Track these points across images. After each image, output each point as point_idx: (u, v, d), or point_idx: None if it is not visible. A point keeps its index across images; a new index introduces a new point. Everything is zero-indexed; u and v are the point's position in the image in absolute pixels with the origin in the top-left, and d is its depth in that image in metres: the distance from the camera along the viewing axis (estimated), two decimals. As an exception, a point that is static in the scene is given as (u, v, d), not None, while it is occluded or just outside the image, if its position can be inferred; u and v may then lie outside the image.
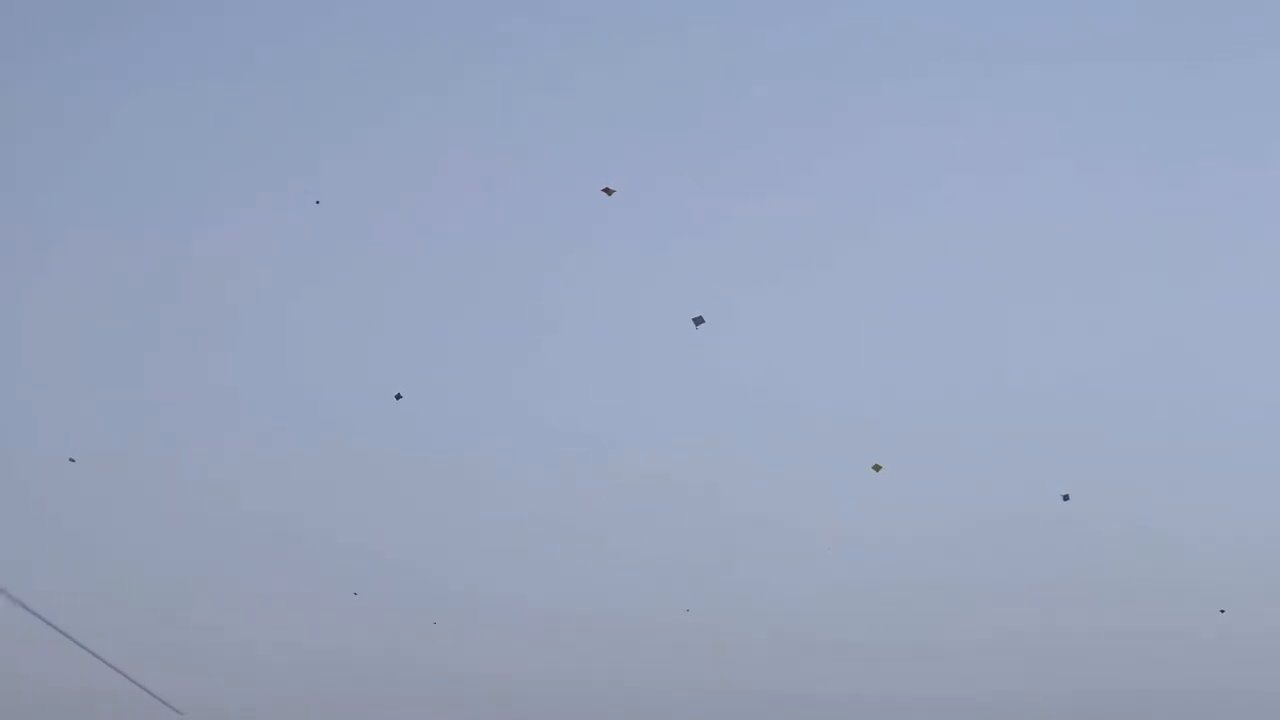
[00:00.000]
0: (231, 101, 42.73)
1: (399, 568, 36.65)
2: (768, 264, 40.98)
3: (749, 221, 41.48)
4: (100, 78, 42.78)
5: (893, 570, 37.00)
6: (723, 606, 36.52)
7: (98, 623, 35.74)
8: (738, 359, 39.57)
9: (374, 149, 42.42)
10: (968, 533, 37.21)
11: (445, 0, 43.47)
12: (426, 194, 42.14)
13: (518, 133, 42.28)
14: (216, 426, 38.92)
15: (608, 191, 34.22)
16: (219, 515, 37.38)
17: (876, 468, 34.44)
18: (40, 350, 39.80)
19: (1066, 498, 34.58)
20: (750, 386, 39.14)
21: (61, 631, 34.55)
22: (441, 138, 42.50)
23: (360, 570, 36.57)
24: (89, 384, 39.30)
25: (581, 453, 38.32)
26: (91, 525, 37.49)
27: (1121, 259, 41.32)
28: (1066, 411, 39.02)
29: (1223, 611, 34.94)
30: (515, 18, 43.12)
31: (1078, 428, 38.68)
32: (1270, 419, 38.64)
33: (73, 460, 35.69)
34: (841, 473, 37.08)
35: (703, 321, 32.29)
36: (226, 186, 41.95)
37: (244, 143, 42.44)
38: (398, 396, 35.24)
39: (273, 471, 37.92)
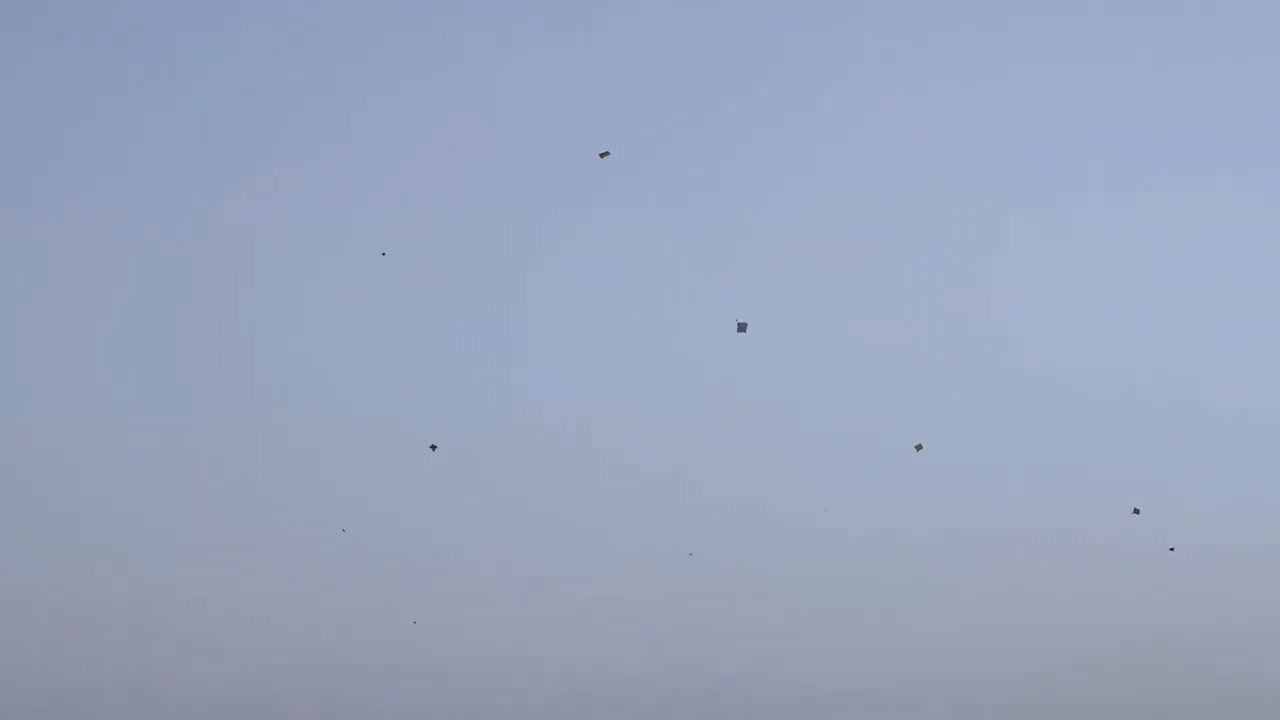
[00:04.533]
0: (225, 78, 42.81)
1: (382, 549, 36.60)
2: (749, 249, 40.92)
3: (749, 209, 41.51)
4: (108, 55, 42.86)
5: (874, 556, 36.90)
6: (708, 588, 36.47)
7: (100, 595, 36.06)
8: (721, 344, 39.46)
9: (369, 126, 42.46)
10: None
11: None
12: (415, 170, 42.16)
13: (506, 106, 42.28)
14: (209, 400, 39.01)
15: (604, 155, 34.02)
16: (217, 486, 37.48)
17: (918, 447, 34.15)
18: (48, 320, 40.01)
19: (1137, 511, 34.57)
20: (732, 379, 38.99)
21: None
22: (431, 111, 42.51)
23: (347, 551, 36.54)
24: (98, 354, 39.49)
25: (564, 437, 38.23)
26: (97, 495, 37.61)
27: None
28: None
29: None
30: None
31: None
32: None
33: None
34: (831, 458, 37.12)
35: (745, 328, 32.42)
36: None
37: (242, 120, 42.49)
38: (433, 447, 35.34)
39: (269, 448, 38.00)
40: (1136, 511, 34.43)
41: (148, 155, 42.11)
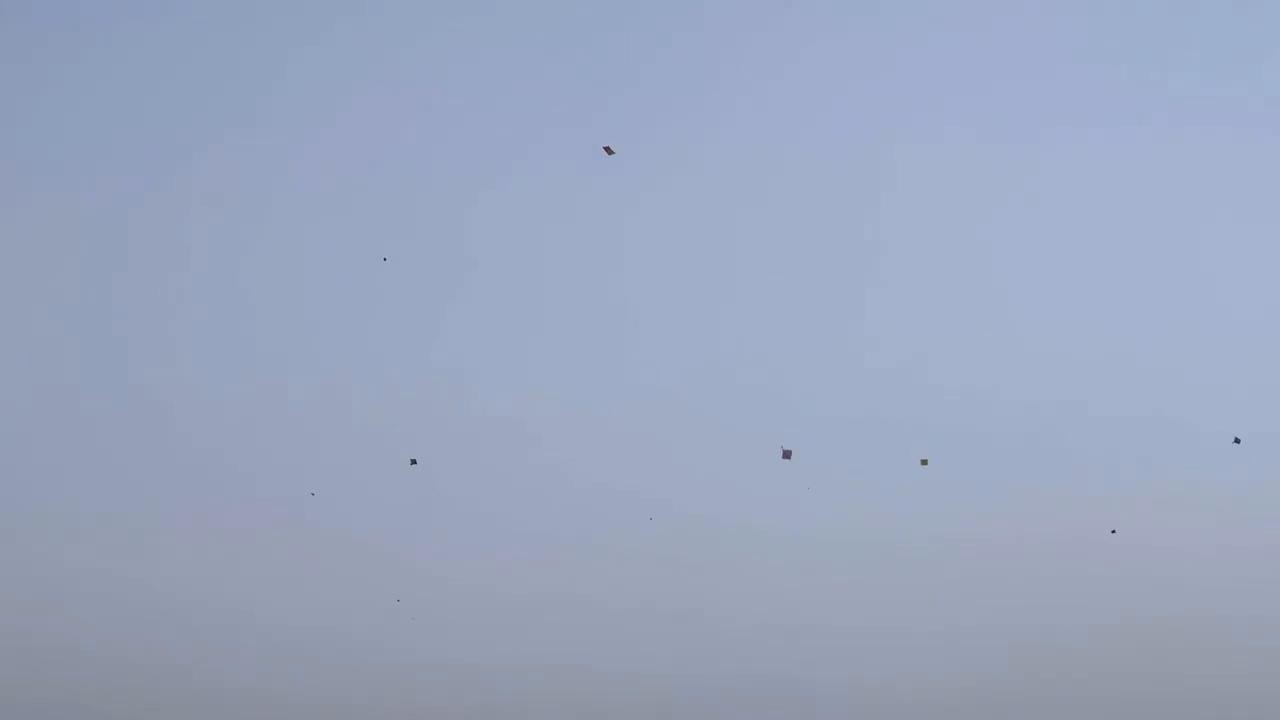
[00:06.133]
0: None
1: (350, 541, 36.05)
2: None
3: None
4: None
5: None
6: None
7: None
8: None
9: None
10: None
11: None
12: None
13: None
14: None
15: (608, 150, 34.08)
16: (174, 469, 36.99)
17: (924, 462, 34.04)
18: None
19: (1238, 440, 34.37)
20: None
21: None
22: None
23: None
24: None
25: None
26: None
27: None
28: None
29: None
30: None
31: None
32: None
33: None
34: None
35: (790, 455, 32.46)
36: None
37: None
38: (413, 462, 34.96)
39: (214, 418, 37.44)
40: (1238, 441, 34.33)
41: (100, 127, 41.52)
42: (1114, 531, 34.61)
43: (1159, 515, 35.95)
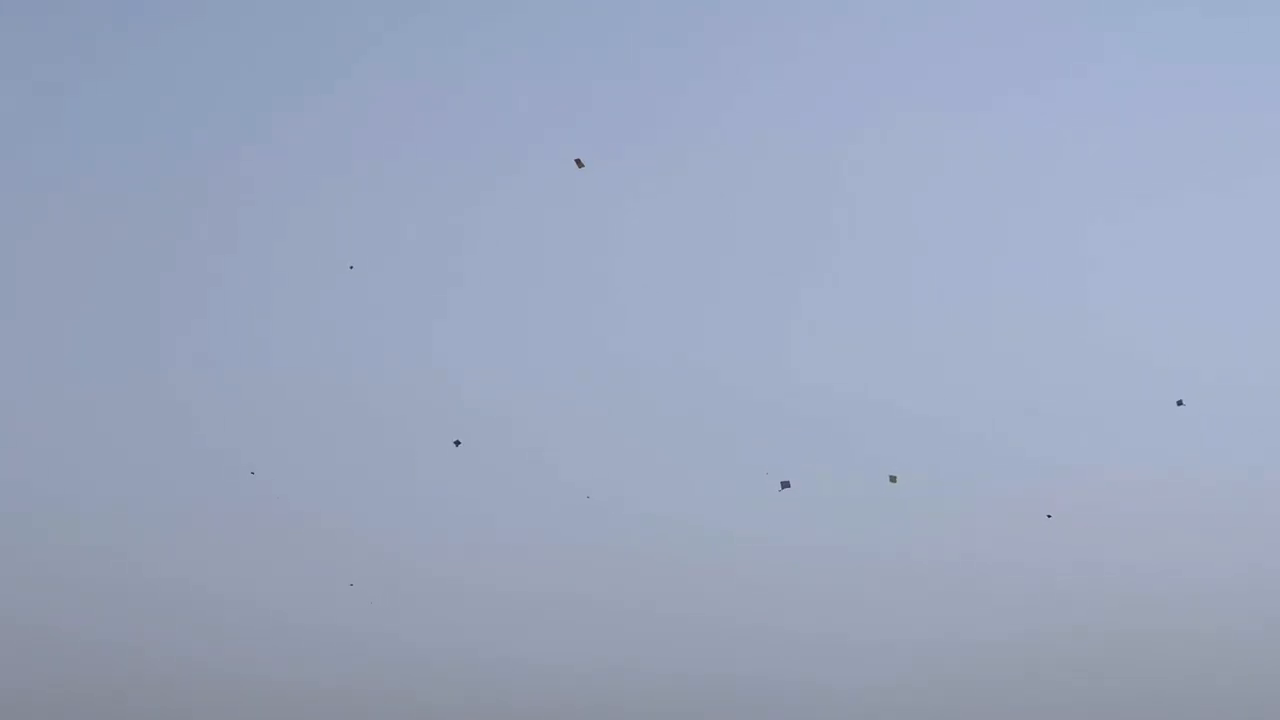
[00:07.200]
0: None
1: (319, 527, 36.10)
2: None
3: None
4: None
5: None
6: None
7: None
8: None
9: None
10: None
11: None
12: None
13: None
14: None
15: (579, 163, 34.08)
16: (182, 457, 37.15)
17: (893, 479, 33.69)
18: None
19: (1180, 403, 33.96)
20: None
21: None
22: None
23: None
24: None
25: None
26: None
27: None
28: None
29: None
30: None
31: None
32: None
33: None
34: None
35: (788, 485, 32.82)
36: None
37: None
38: (456, 443, 35.09)
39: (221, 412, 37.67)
40: (1180, 403, 34.01)
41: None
42: (1049, 516, 34.28)
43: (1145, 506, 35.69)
